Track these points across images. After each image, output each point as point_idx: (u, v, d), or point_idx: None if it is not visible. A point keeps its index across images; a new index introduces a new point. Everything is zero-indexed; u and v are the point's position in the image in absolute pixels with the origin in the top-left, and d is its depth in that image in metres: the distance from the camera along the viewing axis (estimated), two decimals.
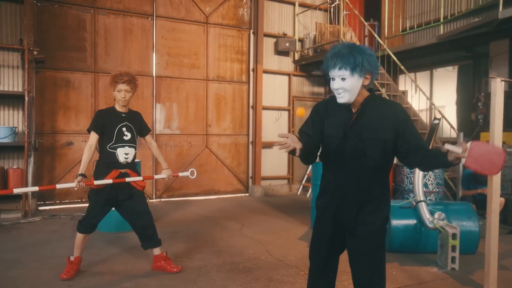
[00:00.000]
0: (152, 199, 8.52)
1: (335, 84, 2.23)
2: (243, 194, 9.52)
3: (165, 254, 4.22)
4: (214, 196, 9.16)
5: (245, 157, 9.58)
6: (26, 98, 6.72)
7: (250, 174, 9.55)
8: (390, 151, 2.30)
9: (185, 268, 4.28)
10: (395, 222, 4.86)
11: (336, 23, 9.14)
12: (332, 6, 9.62)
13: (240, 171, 9.51)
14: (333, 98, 2.36)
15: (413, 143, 2.23)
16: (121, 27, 8.20)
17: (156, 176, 4.50)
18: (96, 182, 3.80)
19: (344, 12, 8.39)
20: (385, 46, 7.90)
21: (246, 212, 7.45)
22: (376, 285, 2.32)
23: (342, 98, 2.24)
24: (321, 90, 10.40)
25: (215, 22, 9.15)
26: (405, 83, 9.45)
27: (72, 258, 4.03)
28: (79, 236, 4.01)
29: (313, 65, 9.71)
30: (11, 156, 7.23)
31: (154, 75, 8.55)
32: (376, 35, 8.14)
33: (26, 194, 6.80)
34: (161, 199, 8.61)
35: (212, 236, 5.69)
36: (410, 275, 4.24)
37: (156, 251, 4.18)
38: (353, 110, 2.32)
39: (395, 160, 6.17)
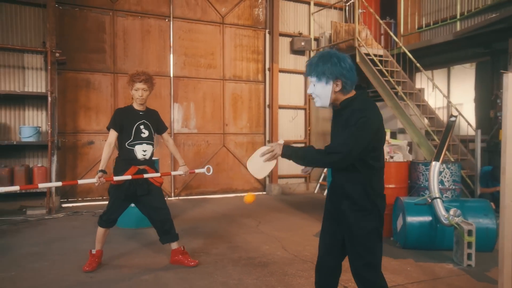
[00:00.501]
0: (171, 197, 8.69)
1: (309, 89, 2.47)
2: (261, 193, 9.61)
3: (182, 249, 4.33)
4: (232, 194, 9.27)
5: None
6: (49, 99, 6.96)
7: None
8: None
9: (202, 262, 4.39)
10: (410, 219, 4.87)
11: (352, 21, 9.15)
12: (347, 4, 9.63)
13: None
14: None
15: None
16: (139, 28, 8.40)
17: (173, 173, 4.61)
18: (116, 178, 3.94)
19: (359, 10, 8.39)
20: (400, 44, 7.87)
21: (262, 210, 7.53)
22: (365, 275, 2.40)
23: (316, 102, 2.45)
24: None
25: (231, 22, 9.27)
26: (421, 80, 9.39)
27: (94, 251, 4.18)
28: (100, 230, 4.16)
29: None
30: (36, 155, 7.49)
31: (171, 75, 8.72)
32: (391, 33, 8.12)
33: (50, 191, 7.03)
34: (180, 197, 8.77)
35: (229, 232, 5.79)
36: (424, 271, 4.26)
37: (174, 245, 4.30)
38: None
39: (411, 157, 6.16)
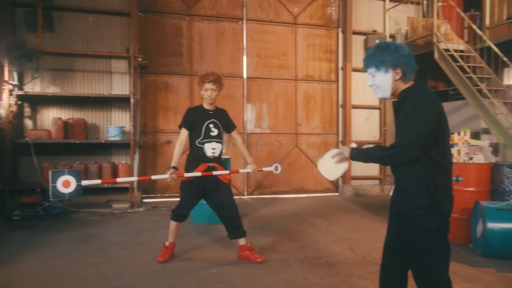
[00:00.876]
0: (244, 195, 8.90)
1: (368, 81, 2.45)
2: (333, 194, 9.50)
3: (249, 245, 4.44)
4: (304, 194, 9.27)
5: None
6: (132, 101, 7.51)
7: None
8: None
9: (269, 259, 4.46)
10: (490, 225, 4.52)
11: (430, 16, 8.67)
12: None
13: None
14: None
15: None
16: (213, 31, 8.73)
17: (241, 170, 4.73)
18: (186, 175, 4.15)
19: (439, 4, 7.92)
20: (485, 37, 7.30)
21: (334, 211, 7.45)
22: (425, 277, 2.32)
23: (377, 93, 2.45)
24: None
25: (303, 22, 9.27)
26: (509, 76, 8.62)
27: (167, 244, 4.44)
28: (173, 224, 4.41)
29: None
30: (120, 153, 8.10)
31: (244, 76, 8.93)
32: (474, 26, 7.54)
33: (132, 187, 7.58)
34: (252, 196, 8.95)
35: (298, 231, 5.81)
36: (508, 282, 3.93)
37: (242, 241, 4.42)
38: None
39: (494, 159, 5.70)
